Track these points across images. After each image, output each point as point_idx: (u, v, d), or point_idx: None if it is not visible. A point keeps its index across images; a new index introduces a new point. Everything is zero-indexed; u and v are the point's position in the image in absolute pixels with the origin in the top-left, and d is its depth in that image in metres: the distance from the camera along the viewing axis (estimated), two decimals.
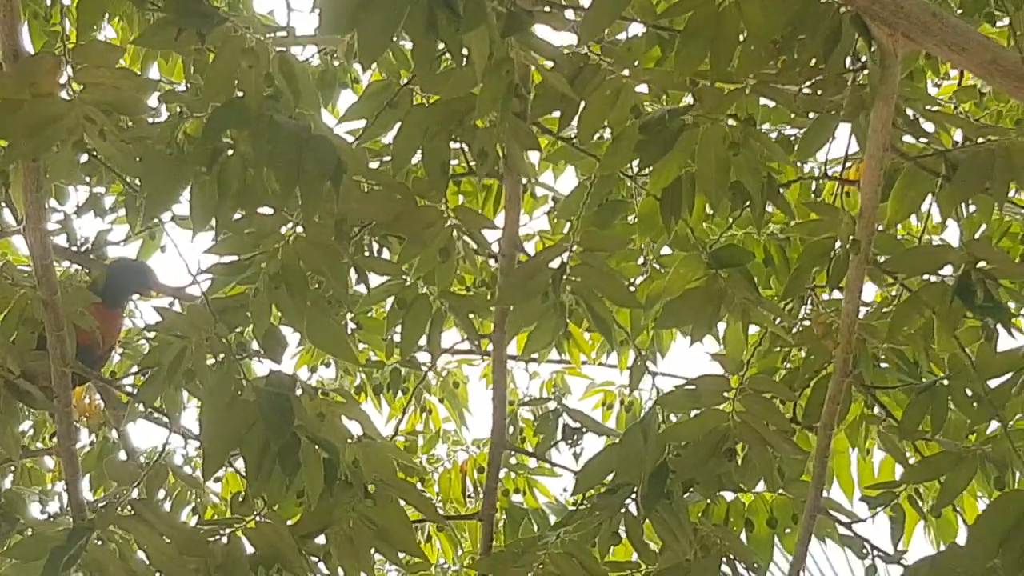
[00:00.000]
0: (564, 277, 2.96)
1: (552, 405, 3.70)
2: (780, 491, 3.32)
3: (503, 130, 2.81)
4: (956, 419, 3.17)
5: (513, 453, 3.87)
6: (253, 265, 2.83)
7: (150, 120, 2.69)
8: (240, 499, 2.94)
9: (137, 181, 2.93)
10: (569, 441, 3.60)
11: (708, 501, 3.26)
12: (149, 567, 2.83)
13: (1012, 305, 3.07)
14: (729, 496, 3.39)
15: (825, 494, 3.30)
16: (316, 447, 2.77)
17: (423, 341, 3.27)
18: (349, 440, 2.96)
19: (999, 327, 2.94)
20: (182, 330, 2.81)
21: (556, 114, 2.91)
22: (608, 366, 4.53)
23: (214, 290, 2.89)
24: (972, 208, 3.22)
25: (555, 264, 2.95)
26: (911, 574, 2.85)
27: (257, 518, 2.93)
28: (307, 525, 2.97)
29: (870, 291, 3.37)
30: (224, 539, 2.90)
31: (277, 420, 2.72)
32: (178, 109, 2.70)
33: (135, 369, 3.14)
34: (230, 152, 2.64)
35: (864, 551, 3.15)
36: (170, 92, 2.88)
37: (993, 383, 2.93)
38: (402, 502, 2.98)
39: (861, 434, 3.46)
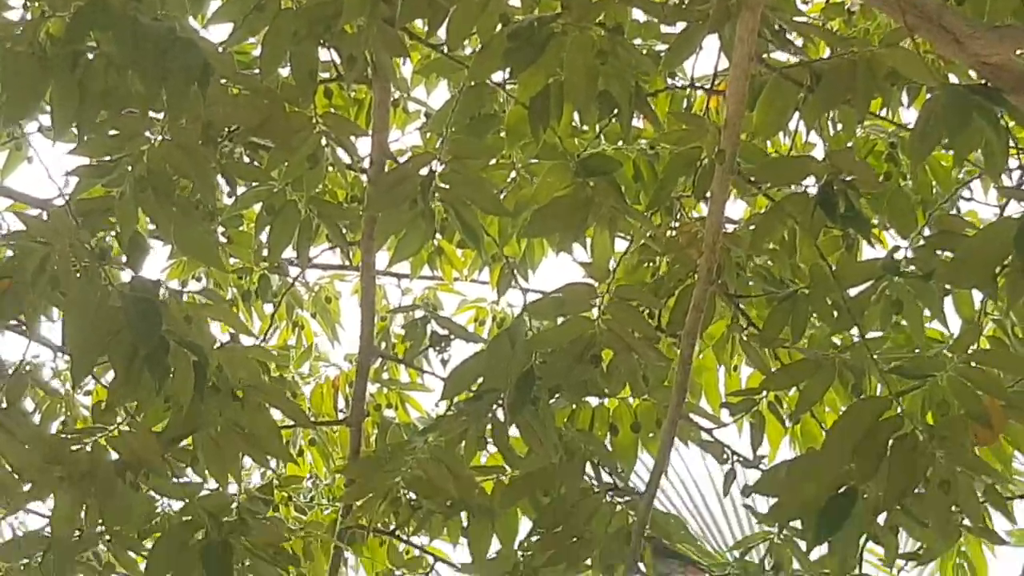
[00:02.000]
0: (433, 184, 2.94)
1: (420, 313, 3.71)
2: (644, 397, 3.35)
3: (371, 35, 2.79)
4: (819, 334, 3.23)
5: (385, 368, 3.88)
6: (119, 167, 2.79)
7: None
8: (103, 407, 2.92)
9: None
10: (437, 348, 3.61)
11: (573, 407, 3.29)
12: (13, 475, 2.82)
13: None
14: (594, 402, 3.42)
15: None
16: (186, 351, 2.75)
17: (291, 252, 3.26)
18: (215, 345, 2.93)
19: (859, 237, 3.00)
20: (45, 237, 2.74)
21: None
22: (480, 283, 4.48)
23: (78, 192, 2.86)
24: (839, 127, 3.27)
25: (424, 172, 2.93)
26: (768, 478, 2.91)
27: (122, 426, 2.91)
28: (174, 431, 2.95)
29: (739, 209, 3.42)
30: (88, 447, 2.89)
31: (144, 325, 2.69)
32: (41, 9, 2.65)
33: None
34: (92, 54, 2.61)
35: (724, 456, 3.21)
36: None
37: (853, 292, 2.98)
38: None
39: (728, 350, 3.49)
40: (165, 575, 2.94)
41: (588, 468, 3.09)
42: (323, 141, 2.94)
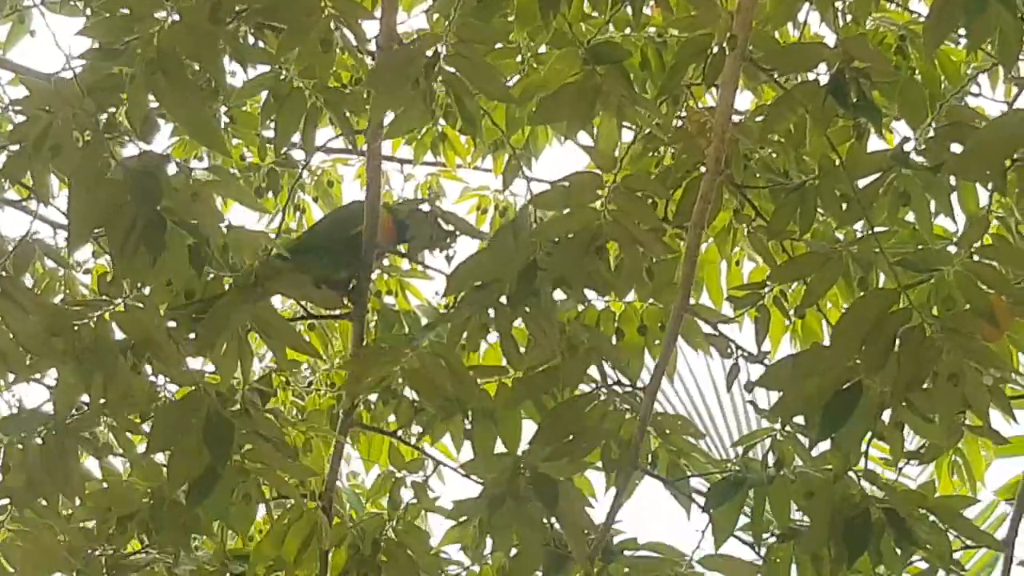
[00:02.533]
0: (437, 67, 2.91)
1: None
2: (651, 301, 3.35)
3: None
4: (826, 229, 3.22)
5: (387, 255, 3.84)
6: (128, 50, 2.76)
7: None
8: (108, 280, 2.92)
9: None
10: (441, 243, 3.59)
11: (579, 308, 3.28)
12: (14, 342, 2.81)
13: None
14: (600, 304, 3.42)
15: (694, 301, 3.36)
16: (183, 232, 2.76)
17: (297, 138, 3.25)
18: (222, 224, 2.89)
19: (869, 129, 2.98)
20: (51, 105, 2.73)
21: None
22: (484, 170, 4.51)
23: (87, 75, 2.83)
24: (849, 18, 3.25)
25: (429, 53, 2.90)
26: (772, 372, 2.91)
27: (127, 301, 2.90)
28: (183, 314, 2.95)
29: (746, 102, 3.39)
30: (92, 322, 2.87)
31: (143, 198, 2.69)
32: None
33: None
34: None
35: (729, 350, 3.20)
36: None
37: (862, 184, 2.97)
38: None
39: (730, 242, 3.50)
40: (164, 451, 2.94)
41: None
42: (332, 24, 2.90)
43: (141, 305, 2.90)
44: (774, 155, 3.19)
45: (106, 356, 2.85)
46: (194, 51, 2.77)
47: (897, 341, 2.68)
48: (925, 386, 2.73)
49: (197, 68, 2.84)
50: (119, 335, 2.89)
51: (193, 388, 2.92)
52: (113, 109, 2.86)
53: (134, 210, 2.70)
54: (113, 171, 2.72)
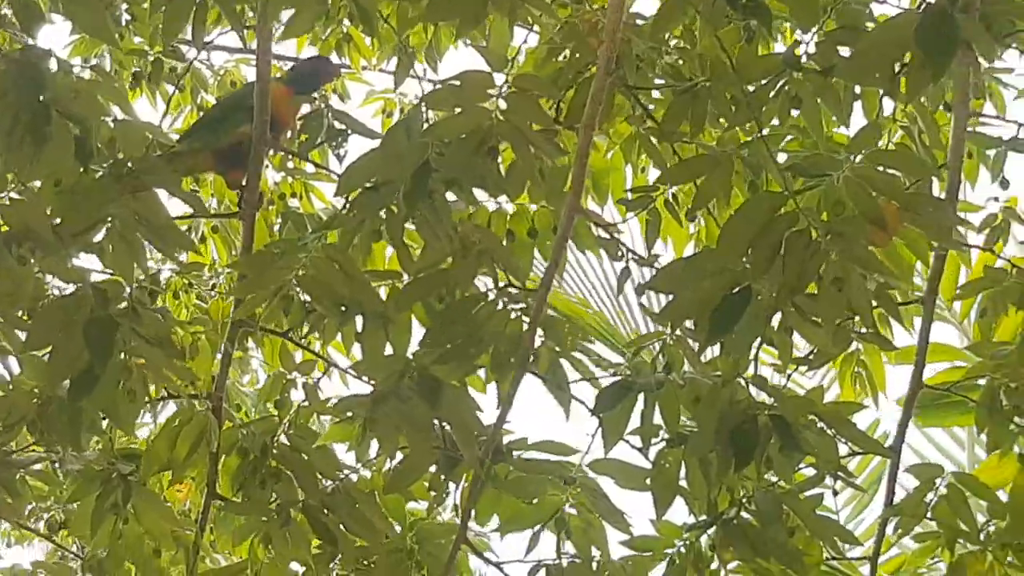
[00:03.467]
0: None
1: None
2: (542, 204, 3.35)
3: None
4: (727, 136, 3.23)
5: (291, 158, 3.83)
6: None
7: None
8: None
9: None
10: (332, 144, 3.57)
11: (471, 209, 3.27)
12: None
13: None
14: (492, 206, 3.42)
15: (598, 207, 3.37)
16: (68, 123, 2.73)
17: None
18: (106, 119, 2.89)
19: (761, 31, 2.98)
20: None
21: None
22: (389, 72, 4.39)
23: None
24: None
25: None
26: (663, 275, 2.92)
27: (12, 195, 2.89)
28: (69, 214, 2.90)
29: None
30: None
31: (25, 90, 2.67)
32: None
33: None
34: None
35: (620, 253, 3.20)
36: None
37: (752, 88, 2.98)
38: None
39: (636, 149, 3.49)
40: (44, 348, 2.92)
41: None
42: None
43: (25, 199, 2.88)
44: (680, 61, 3.19)
45: None
46: None
47: (784, 243, 2.68)
48: (812, 291, 2.74)
49: None
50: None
51: (79, 286, 2.91)
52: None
53: (17, 100, 2.68)
54: None
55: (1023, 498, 3.23)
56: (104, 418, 3.11)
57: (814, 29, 3.10)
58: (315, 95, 3.52)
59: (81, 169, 2.82)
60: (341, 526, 3.26)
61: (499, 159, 2.97)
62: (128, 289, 2.99)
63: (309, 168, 3.96)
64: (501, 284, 3.07)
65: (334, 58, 4.01)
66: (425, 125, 2.95)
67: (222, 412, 3.28)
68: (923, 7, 2.74)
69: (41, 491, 3.50)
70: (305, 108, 3.55)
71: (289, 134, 3.67)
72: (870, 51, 2.80)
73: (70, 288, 2.95)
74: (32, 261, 2.89)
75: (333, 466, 3.30)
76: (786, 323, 2.86)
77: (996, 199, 3.71)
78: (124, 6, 3.45)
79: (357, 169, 2.99)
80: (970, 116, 3.43)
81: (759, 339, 2.87)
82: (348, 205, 3.07)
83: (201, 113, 4.61)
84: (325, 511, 3.26)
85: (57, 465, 3.35)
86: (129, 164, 2.85)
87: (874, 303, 2.90)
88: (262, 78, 3.22)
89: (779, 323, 2.87)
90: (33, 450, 3.29)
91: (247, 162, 3.32)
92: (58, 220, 2.90)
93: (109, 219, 2.89)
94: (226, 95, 4.08)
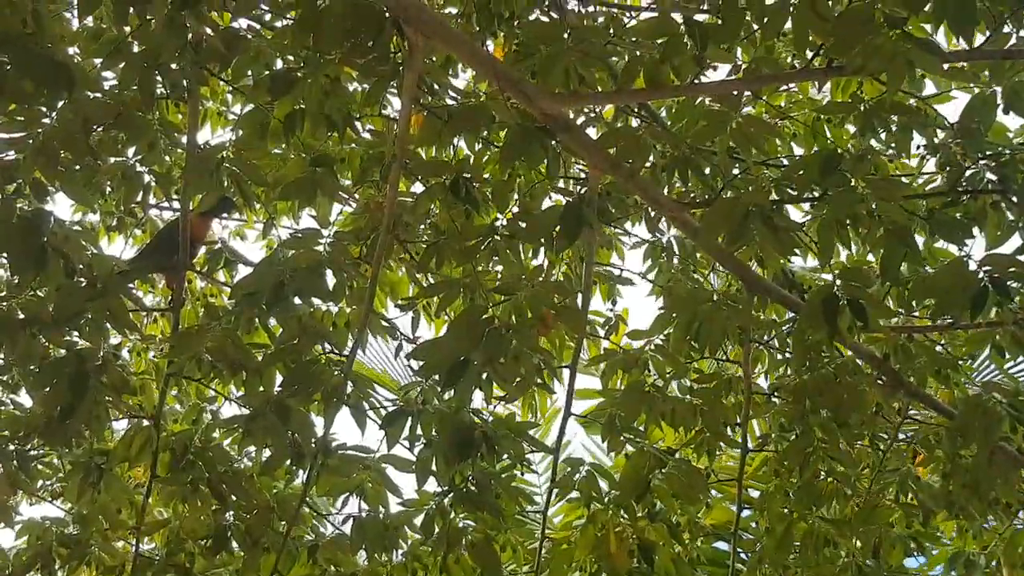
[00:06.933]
0: (224, 165, 2.93)
1: (218, 247, 3.63)
2: (353, 308, 3.26)
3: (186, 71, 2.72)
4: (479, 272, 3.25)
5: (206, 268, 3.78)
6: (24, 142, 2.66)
7: None
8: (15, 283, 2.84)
9: None
10: (229, 267, 3.53)
11: (312, 310, 3.24)
12: None
13: None
14: (324, 308, 3.37)
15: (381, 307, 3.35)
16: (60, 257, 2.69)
17: None
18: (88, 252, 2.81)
19: (475, 210, 2.98)
20: None
21: None
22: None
23: None
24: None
25: (220, 156, 2.91)
26: (421, 349, 2.79)
27: (27, 297, 2.84)
28: (63, 311, 2.80)
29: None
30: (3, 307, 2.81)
31: (33, 235, 2.63)
32: None
33: None
34: None
35: (397, 335, 3.21)
36: None
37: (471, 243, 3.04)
38: None
39: (404, 278, 3.54)
40: (45, 389, 2.87)
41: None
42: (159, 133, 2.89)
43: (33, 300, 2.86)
44: (430, 224, 3.17)
45: (11, 328, 2.82)
46: (69, 147, 2.71)
47: (486, 334, 2.72)
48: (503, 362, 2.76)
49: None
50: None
51: (67, 352, 2.89)
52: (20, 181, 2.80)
53: (24, 243, 2.66)
54: (16, 218, 2.67)
55: (626, 479, 3.21)
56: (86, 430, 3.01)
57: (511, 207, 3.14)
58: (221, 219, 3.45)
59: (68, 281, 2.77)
60: (233, 496, 3.20)
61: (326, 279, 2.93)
62: (101, 352, 2.95)
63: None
64: (328, 352, 3.03)
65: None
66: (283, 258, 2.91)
67: (160, 426, 3.20)
68: (566, 203, 2.84)
69: (46, 474, 3.41)
70: (216, 226, 3.49)
71: (203, 249, 3.62)
72: (540, 223, 2.86)
73: (63, 352, 2.90)
74: (40, 336, 2.88)
75: (227, 459, 3.23)
76: (490, 377, 2.81)
77: (612, 310, 3.75)
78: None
79: (241, 283, 2.95)
80: (594, 264, 3.42)
81: (475, 386, 2.81)
82: (235, 304, 2.99)
83: None
84: (222, 484, 3.19)
85: (57, 459, 3.33)
86: (99, 280, 2.82)
87: (543, 367, 2.86)
88: (184, 227, 3.19)
89: (486, 377, 2.80)
90: (40, 449, 3.25)
91: (175, 275, 3.27)
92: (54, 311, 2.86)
93: (88, 312, 2.83)
94: (160, 230, 3.88)
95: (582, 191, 2.85)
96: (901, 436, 3.33)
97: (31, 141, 2.68)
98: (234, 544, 3.16)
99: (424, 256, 3.11)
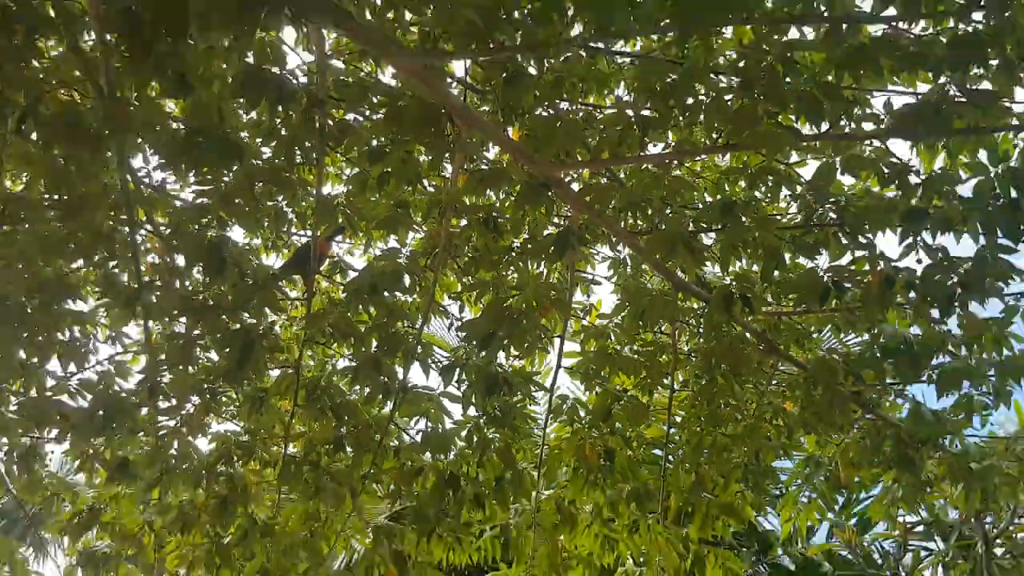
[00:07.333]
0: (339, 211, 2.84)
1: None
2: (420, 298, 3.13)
3: None
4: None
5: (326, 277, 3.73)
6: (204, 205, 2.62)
7: None
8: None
9: None
10: (342, 272, 3.46)
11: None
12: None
13: None
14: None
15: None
16: (235, 264, 2.62)
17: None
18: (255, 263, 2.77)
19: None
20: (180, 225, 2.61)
21: None
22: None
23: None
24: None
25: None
26: (466, 324, 2.76)
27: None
28: (239, 296, 2.75)
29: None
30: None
31: (218, 250, 2.56)
32: None
33: None
34: None
35: (449, 317, 3.16)
36: None
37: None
38: None
39: (457, 281, 3.34)
40: (224, 350, 2.74)
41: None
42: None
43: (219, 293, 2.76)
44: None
45: (206, 311, 2.71)
46: (241, 195, 2.63)
47: (506, 316, 2.60)
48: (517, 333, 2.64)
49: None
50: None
51: (240, 326, 2.77)
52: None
53: (214, 256, 2.60)
54: (207, 241, 2.63)
55: (596, 408, 3.13)
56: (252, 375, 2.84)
57: (522, 235, 2.97)
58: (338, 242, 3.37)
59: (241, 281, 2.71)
60: (346, 417, 3.02)
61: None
62: (262, 327, 2.84)
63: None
64: (406, 326, 2.95)
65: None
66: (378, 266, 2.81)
67: (299, 373, 3.08)
68: (557, 233, 2.69)
69: (228, 403, 3.24)
70: (334, 247, 3.36)
71: (326, 261, 3.52)
72: (541, 245, 2.71)
73: (237, 326, 2.76)
74: (223, 316, 2.75)
75: (342, 393, 3.06)
76: (509, 344, 2.74)
77: (588, 300, 3.58)
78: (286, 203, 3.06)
79: (350, 283, 2.85)
80: (576, 271, 3.30)
81: (499, 349, 2.73)
82: (347, 296, 2.86)
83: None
84: (339, 410, 3.01)
85: (234, 394, 3.18)
86: (260, 281, 2.75)
87: (543, 337, 2.82)
88: (314, 246, 3.08)
89: (506, 343, 2.74)
90: (224, 388, 3.09)
91: (309, 275, 3.18)
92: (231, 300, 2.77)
93: (253, 301, 2.75)
94: (298, 248, 3.51)
95: (568, 225, 2.80)
96: (774, 383, 3.27)
97: (216, 192, 2.66)
98: (347, 448, 3.12)
99: (466, 266, 3.09)
